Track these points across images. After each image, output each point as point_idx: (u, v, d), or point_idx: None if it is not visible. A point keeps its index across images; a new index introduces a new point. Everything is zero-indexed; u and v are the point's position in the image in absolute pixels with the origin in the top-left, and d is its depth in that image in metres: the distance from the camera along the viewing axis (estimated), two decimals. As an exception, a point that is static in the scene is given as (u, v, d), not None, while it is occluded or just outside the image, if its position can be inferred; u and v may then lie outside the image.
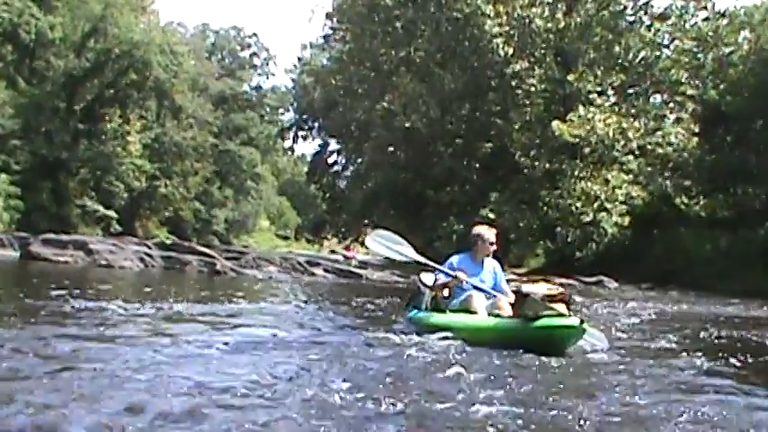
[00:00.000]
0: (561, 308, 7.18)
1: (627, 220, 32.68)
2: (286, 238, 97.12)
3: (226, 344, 6.82)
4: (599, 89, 34.70)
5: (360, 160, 53.41)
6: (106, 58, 49.30)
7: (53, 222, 40.11)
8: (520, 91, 35.45)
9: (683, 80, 35.46)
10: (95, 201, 49.89)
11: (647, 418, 4.56)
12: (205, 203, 75.59)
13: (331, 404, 4.49)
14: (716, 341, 9.65)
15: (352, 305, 12.64)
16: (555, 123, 32.25)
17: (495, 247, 8.87)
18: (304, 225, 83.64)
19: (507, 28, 35.01)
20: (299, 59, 79.27)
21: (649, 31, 36.54)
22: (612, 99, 35.72)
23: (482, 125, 37.40)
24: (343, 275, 22.60)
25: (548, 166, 33.46)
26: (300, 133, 70.09)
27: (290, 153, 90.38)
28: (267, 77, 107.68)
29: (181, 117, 61.46)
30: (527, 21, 35.05)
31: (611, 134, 32.11)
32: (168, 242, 27.10)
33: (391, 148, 42.41)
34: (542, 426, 4.24)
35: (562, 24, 35.49)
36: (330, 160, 65.70)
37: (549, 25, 35.28)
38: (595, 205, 32.44)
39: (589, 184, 32.69)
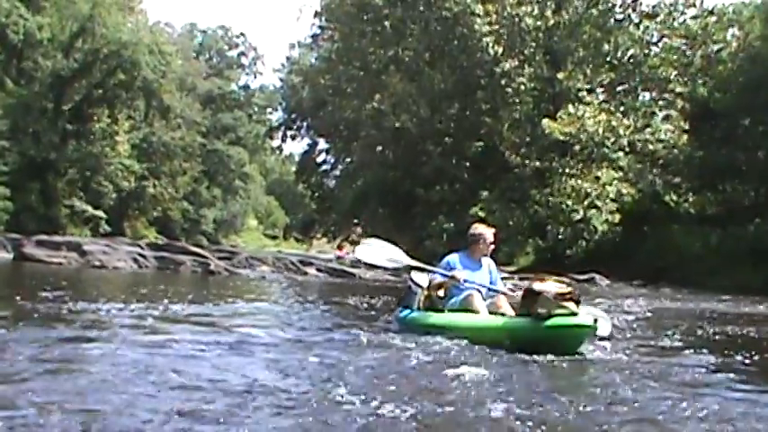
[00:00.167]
0: (573, 307, 7.04)
1: (617, 217, 32.70)
2: (274, 237, 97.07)
3: (223, 344, 6.82)
4: (588, 87, 34.81)
5: (349, 159, 53.35)
6: (94, 58, 49.01)
7: (42, 223, 39.96)
8: (509, 89, 35.43)
9: (671, 77, 35.53)
10: (84, 201, 49.63)
11: (656, 418, 4.56)
12: (193, 203, 75.49)
13: (331, 404, 4.50)
14: (716, 338, 9.68)
15: (347, 304, 12.64)
16: (545, 121, 32.29)
17: (493, 246, 8.91)
18: (293, 224, 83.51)
19: (497, 27, 35.01)
20: (288, 59, 79.09)
21: (638, 28, 36.63)
22: (602, 97, 35.88)
23: (472, 124, 37.38)
24: (336, 274, 22.62)
25: (538, 164, 33.50)
26: (289, 133, 69.87)
27: (278, 152, 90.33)
28: (255, 77, 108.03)
29: (169, 117, 61.24)
30: (516, 19, 35.05)
31: (600, 132, 32.16)
32: (160, 243, 27.05)
33: (380, 148, 42.37)
34: (548, 426, 4.24)
35: (551, 23, 35.53)
36: (319, 159, 65.61)
37: (539, 24, 35.30)
38: (586, 203, 32.48)
39: (579, 181, 32.75)
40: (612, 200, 32.80)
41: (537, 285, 7.23)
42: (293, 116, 69.40)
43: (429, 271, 8.78)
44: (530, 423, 4.22)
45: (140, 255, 19.87)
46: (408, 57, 39.52)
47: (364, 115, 40.50)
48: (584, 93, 33.86)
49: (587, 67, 35.25)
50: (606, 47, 35.94)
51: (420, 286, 8.84)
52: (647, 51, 36.58)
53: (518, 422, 4.25)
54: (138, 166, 57.04)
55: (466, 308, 8.15)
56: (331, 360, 6.20)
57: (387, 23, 39.60)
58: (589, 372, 6.36)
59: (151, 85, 51.69)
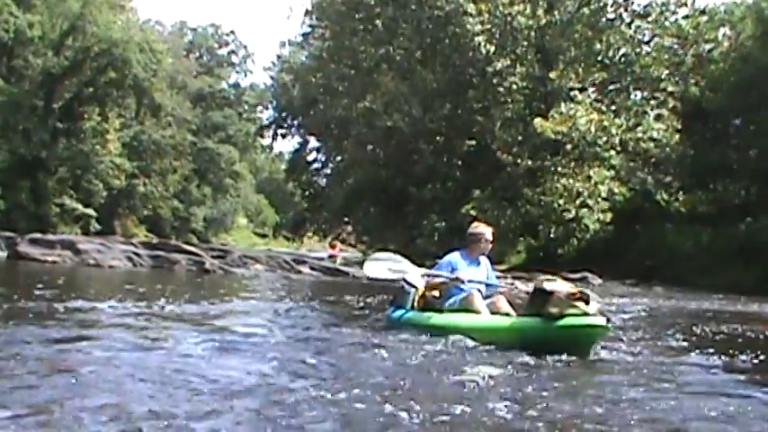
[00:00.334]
0: (585, 307, 6.95)
1: (609, 216, 32.70)
2: (264, 236, 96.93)
3: (219, 343, 6.84)
4: (580, 86, 34.76)
5: (340, 158, 53.17)
6: (85, 56, 48.84)
7: (32, 221, 39.87)
8: (501, 88, 35.40)
9: (663, 77, 35.52)
10: (74, 199, 49.49)
11: (662, 418, 4.58)
12: (184, 201, 75.31)
13: (330, 405, 4.49)
14: (716, 338, 9.72)
15: (341, 303, 12.64)
16: (537, 120, 32.25)
17: (491, 245, 8.91)
18: (283, 223, 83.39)
19: (489, 26, 34.98)
20: (278, 57, 78.95)
21: (630, 28, 36.66)
22: (594, 96, 35.83)
23: (464, 123, 37.33)
24: (329, 273, 22.62)
25: (529, 163, 33.44)
26: (279, 131, 69.70)
27: (268, 151, 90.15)
28: (245, 75, 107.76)
29: (159, 115, 60.99)
30: (508, 18, 35.01)
31: (592, 131, 32.13)
32: (155, 241, 27.00)
33: (372, 146, 42.28)
34: (552, 426, 4.23)
35: (543, 22, 35.51)
36: (310, 158, 65.49)
37: (531, 23, 35.26)
38: (577, 202, 32.45)
39: (571, 180, 32.72)
40: (604, 199, 32.79)
41: (548, 285, 7.15)
42: (284, 114, 69.25)
43: (436, 275, 8.75)
44: (531, 423, 4.22)
45: (135, 253, 19.84)
46: (400, 55, 39.50)
47: (355, 114, 40.43)
48: (576, 92, 33.80)
49: (579, 67, 35.23)
50: (598, 46, 35.94)
51: (413, 286, 8.78)
52: (638, 51, 36.57)
53: (521, 422, 4.24)
54: (128, 165, 56.92)
55: (466, 308, 8.12)
56: (329, 359, 6.19)
57: (378, 22, 39.56)
58: (593, 372, 6.37)
59: (142, 84, 51.46)
